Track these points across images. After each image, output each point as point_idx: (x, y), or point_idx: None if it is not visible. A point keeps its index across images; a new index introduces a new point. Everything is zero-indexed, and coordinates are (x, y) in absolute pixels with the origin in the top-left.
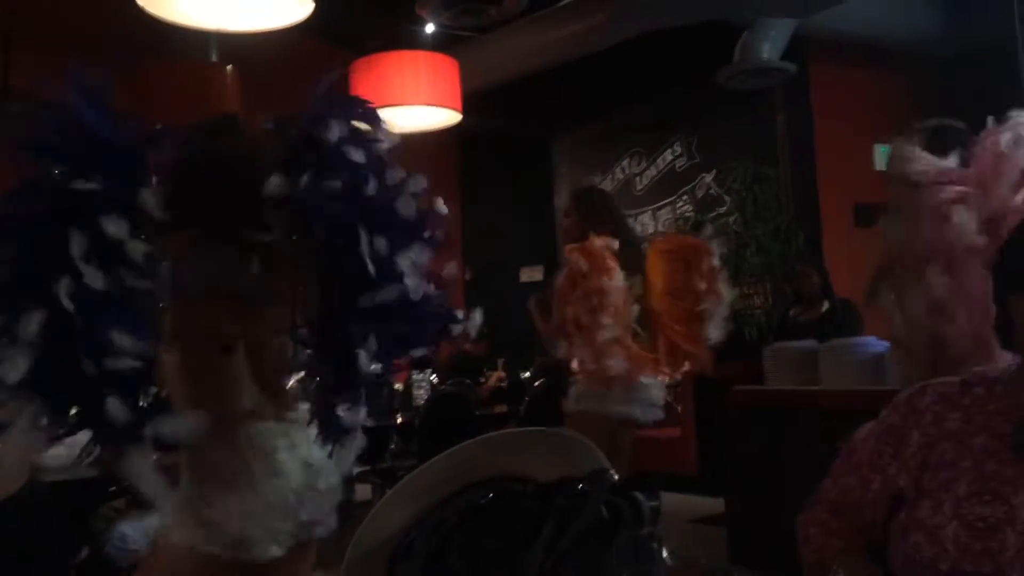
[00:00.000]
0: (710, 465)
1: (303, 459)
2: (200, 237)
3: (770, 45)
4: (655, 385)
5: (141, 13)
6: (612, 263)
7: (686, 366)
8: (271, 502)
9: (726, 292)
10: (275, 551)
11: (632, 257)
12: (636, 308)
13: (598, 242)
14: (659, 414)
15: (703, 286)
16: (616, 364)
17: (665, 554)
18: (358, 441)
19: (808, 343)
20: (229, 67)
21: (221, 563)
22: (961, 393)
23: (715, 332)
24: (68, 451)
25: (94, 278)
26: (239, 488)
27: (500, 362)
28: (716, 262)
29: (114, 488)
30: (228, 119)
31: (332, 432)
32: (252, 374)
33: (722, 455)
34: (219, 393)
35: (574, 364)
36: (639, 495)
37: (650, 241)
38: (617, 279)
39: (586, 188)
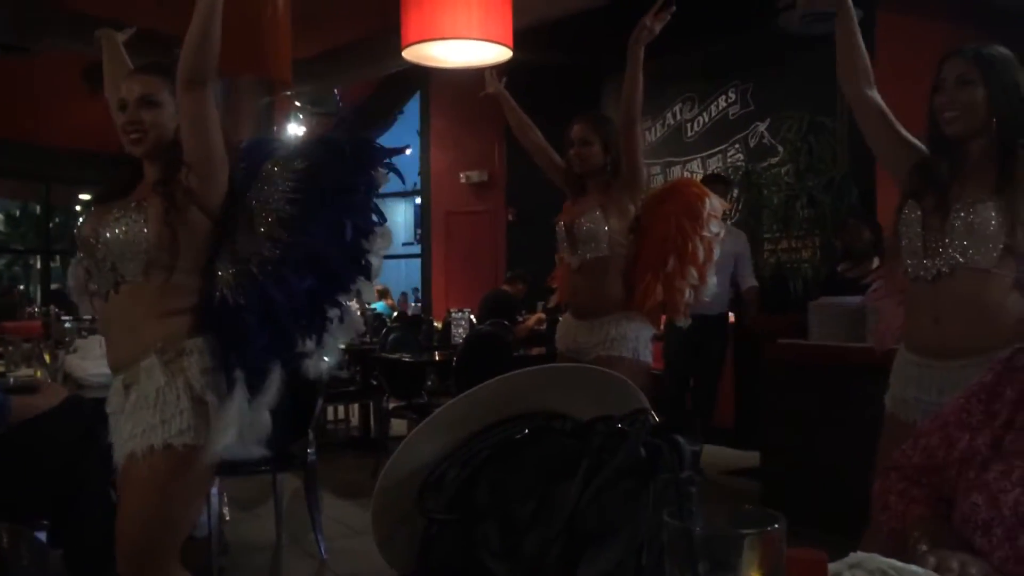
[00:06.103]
0: (746, 418)
1: None
2: None
3: None
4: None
5: None
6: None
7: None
8: None
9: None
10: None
11: None
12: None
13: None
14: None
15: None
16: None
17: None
18: None
19: (856, 299)
20: None
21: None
22: None
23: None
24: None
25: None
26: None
27: (540, 305)
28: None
29: None
30: None
31: None
32: None
33: (760, 408)
34: None
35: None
36: (680, 438)
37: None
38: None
39: (610, 117)
